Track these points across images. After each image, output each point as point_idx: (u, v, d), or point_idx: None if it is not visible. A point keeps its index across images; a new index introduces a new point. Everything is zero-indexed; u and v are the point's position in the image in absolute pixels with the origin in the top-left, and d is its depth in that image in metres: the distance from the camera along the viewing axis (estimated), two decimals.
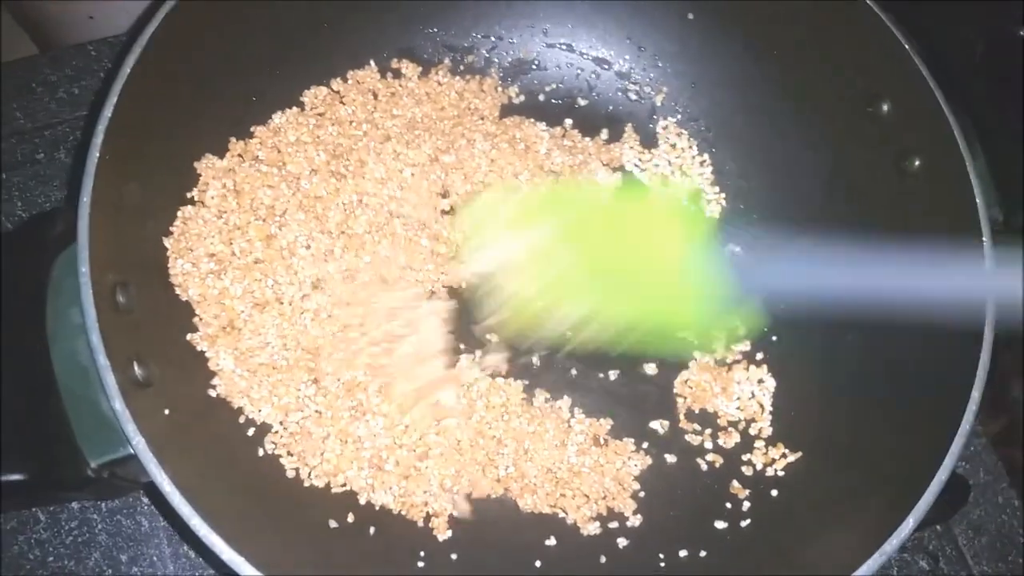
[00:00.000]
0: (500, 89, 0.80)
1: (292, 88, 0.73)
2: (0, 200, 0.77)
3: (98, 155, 0.54)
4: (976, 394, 0.57)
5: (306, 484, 0.62)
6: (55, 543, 0.67)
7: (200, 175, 0.66)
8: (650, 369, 0.72)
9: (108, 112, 0.56)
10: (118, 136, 0.56)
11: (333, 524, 0.61)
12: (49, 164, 0.79)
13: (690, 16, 0.77)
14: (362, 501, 0.62)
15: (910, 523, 0.54)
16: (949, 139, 0.63)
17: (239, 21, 0.67)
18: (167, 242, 0.62)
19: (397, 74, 0.78)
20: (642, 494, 0.68)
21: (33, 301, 0.54)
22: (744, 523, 0.66)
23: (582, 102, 0.82)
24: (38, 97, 0.81)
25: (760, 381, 0.73)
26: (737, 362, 0.73)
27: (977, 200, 0.62)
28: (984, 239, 0.61)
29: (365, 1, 0.74)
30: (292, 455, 0.62)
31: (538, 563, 0.63)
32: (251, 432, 0.62)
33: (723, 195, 0.79)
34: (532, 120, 0.79)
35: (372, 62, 0.77)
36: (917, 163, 0.66)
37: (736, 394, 0.72)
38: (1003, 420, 1.04)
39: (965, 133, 0.63)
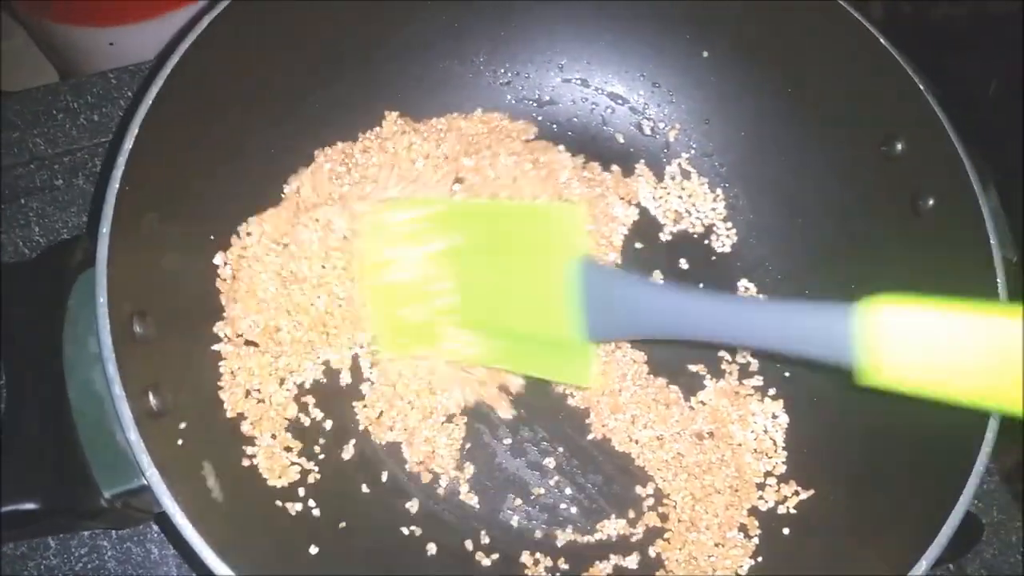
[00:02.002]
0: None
1: (317, 121, 0.74)
2: (17, 225, 0.78)
3: (118, 186, 0.55)
4: (991, 435, 0.57)
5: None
6: (64, 569, 0.67)
7: None
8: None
9: (129, 143, 0.56)
10: (139, 166, 0.56)
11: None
12: (68, 190, 0.80)
13: (705, 54, 0.78)
14: None
15: (923, 566, 0.53)
16: (963, 179, 0.63)
17: (265, 51, 0.67)
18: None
19: None
20: None
21: (51, 329, 0.54)
22: (757, 560, 0.66)
23: (596, 137, 0.82)
24: (59, 124, 0.82)
25: (774, 416, 0.72)
26: (750, 395, 0.73)
27: (991, 240, 0.62)
28: (998, 279, 0.61)
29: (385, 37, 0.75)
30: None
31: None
32: None
33: (735, 231, 0.79)
34: (560, 147, 0.79)
35: None
36: (931, 203, 0.66)
37: (751, 426, 0.72)
38: (1016, 453, 1.03)
39: (979, 173, 0.63)
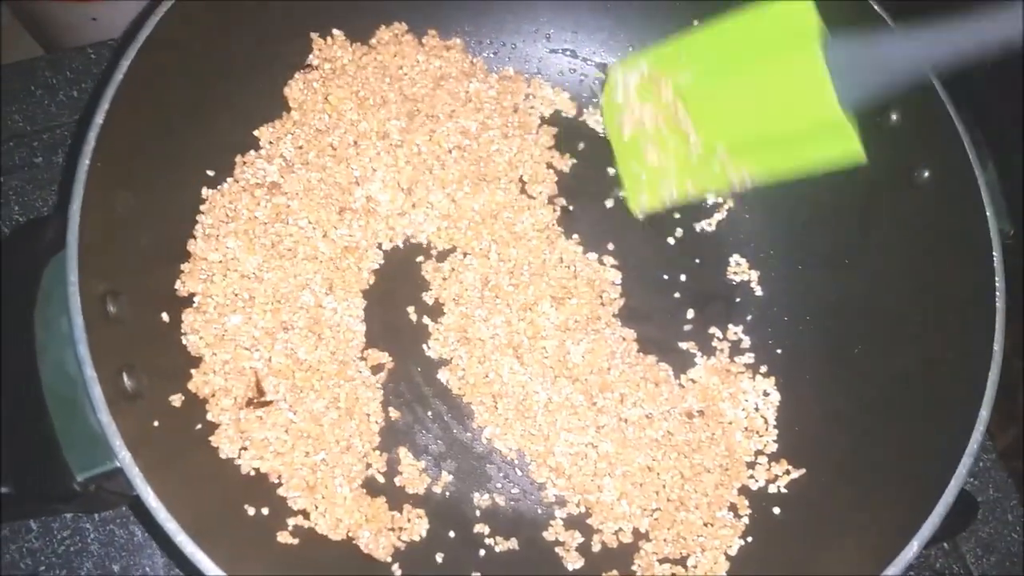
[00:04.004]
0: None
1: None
2: None
3: (88, 162, 0.53)
4: (984, 413, 0.56)
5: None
6: (47, 552, 0.66)
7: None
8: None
9: (100, 119, 0.55)
10: (110, 143, 0.55)
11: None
12: (47, 167, 0.78)
13: (695, 22, 0.76)
14: None
15: (914, 547, 0.53)
16: (959, 150, 0.62)
17: (236, 23, 0.65)
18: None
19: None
20: None
21: (23, 310, 0.53)
22: (747, 540, 0.65)
23: (585, 108, 0.81)
24: (37, 100, 0.81)
25: (765, 393, 0.71)
26: (741, 372, 0.72)
27: (987, 212, 0.61)
28: (994, 251, 0.60)
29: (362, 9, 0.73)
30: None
31: None
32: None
33: (728, 203, 0.78)
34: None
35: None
36: (926, 174, 0.65)
37: (742, 404, 0.71)
38: (1013, 432, 1.02)
39: (975, 143, 0.62)
